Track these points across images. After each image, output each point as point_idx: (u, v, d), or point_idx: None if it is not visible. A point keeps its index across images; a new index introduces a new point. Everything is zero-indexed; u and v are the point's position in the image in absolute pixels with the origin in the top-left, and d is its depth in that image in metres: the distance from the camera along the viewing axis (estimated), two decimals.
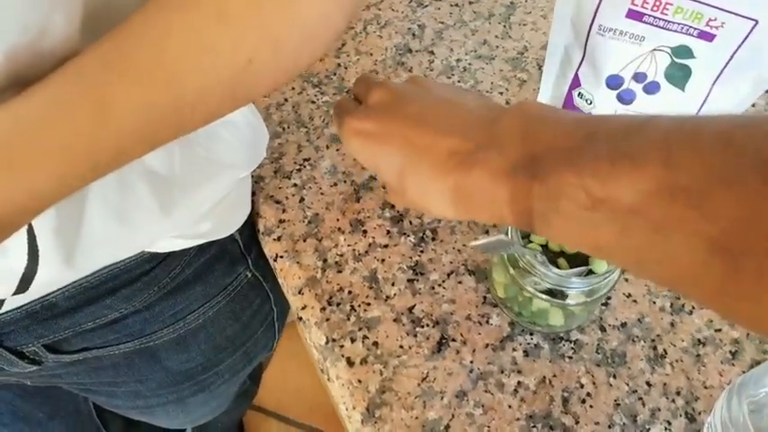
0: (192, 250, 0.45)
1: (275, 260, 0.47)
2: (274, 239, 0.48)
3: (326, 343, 0.43)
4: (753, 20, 0.33)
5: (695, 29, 0.35)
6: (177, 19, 0.24)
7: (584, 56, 0.40)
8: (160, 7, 0.24)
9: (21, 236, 0.32)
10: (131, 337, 0.47)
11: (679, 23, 0.35)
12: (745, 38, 0.34)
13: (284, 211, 0.49)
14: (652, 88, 0.39)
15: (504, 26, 0.62)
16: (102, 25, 0.25)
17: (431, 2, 0.64)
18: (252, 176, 0.50)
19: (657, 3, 0.35)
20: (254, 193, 0.50)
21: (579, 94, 0.43)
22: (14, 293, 0.35)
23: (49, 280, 0.37)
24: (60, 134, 0.23)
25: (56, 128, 0.23)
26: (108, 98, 0.23)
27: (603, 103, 0.41)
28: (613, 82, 0.40)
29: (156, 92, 0.24)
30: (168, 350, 0.50)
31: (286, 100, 0.56)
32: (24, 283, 0.35)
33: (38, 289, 0.37)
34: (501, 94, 0.56)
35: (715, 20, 0.34)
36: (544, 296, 0.38)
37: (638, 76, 0.39)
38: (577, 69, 0.42)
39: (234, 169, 0.42)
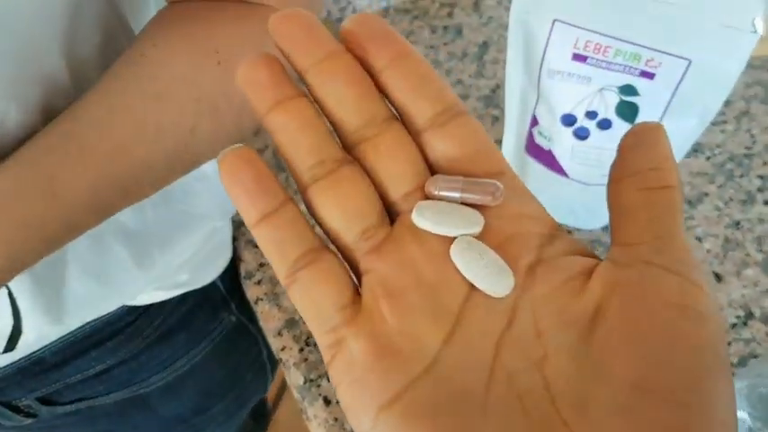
0: (173, 300, 0.47)
1: (256, 303, 0.49)
2: (255, 283, 0.49)
3: (304, 383, 0.44)
4: (686, 59, 0.35)
5: (636, 69, 0.37)
6: (120, 102, 0.27)
7: (538, 96, 0.42)
8: (105, 92, 0.27)
9: (3, 298, 0.34)
10: (120, 387, 0.49)
11: (621, 64, 0.37)
12: (683, 76, 0.36)
13: (264, 254, 0.51)
14: (604, 125, 0.41)
15: (478, 65, 0.64)
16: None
17: None
18: (233, 222, 0.52)
19: (598, 46, 0.37)
20: (235, 239, 0.52)
21: (539, 132, 0.44)
22: (3, 352, 0.37)
23: (35, 338, 0.39)
24: (14, 212, 0.25)
25: (9, 207, 0.25)
26: (56, 178, 0.26)
27: (561, 140, 0.43)
28: (567, 120, 0.41)
29: (102, 169, 0.26)
30: (159, 397, 0.52)
31: (266, 146, 0.58)
32: (12, 343, 0.37)
33: (25, 347, 0.39)
34: None
35: (652, 60, 0.36)
36: None
37: (590, 114, 0.41)
38: (534, 109, 0.43)
39: (208, 220, 0.44)
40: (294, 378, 0.45)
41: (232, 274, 0.52)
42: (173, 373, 0.50)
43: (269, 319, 0.48)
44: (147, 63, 0.27)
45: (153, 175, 0.29)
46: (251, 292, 0.50)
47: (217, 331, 0.52)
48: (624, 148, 0.19)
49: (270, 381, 0.64)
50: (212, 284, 0.49)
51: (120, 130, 0.26)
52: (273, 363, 0.63)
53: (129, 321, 0.45)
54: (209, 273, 0.49)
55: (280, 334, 0.47)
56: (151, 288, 0.43)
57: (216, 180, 0.45)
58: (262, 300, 0.48)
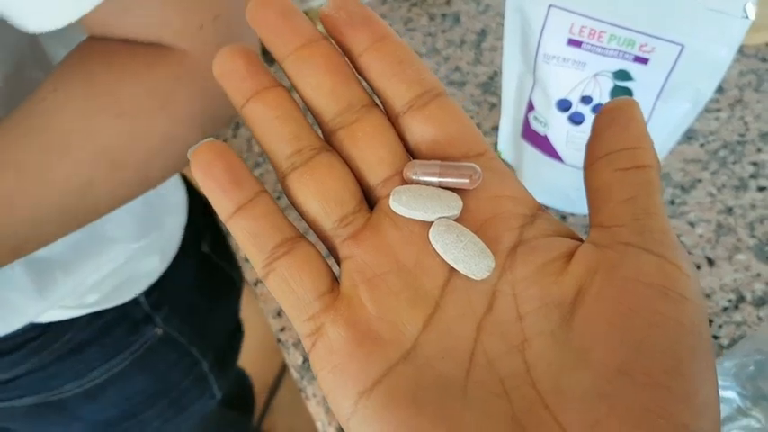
0: (82, 318, 0.44)
1: (256, 285, 0.50)
2: None
3: (303, 362, 0.45)
4: (679, 44, 0.35)
5: (630, 54, 0.37)
6: (8, 158, 0.26)
7: (534, 82, 0.43)
8: (6, 147, 0.26)
9: None
10: (34, 392, 0.47)
11: (615, 50, 0.38)
12: (676, 61, 0.36)
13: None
14: (599, 110, 0.41)
15: (475, 53, 0.64)
16: None
17: (405, 32, 0.67)
18: None
19: (593, 31, 0.38)
20: None
21: (534, 117, 0.45)
22: None
23: None
24: None
25: None
26: None
27: (557, 125, 0.44)
28: (563, 105, 0.42)
29: None
30: (78, 401, 0.49)
31: None
32: None
33: None
34: (472, 117, 0.59)
35: (646, 45, 0.36)
36: None
37: (585, 99, 0.41)
38: (530, 94, 0.44)
39: (121, 243, 0.43)
40: (293, 358, 0.46)
41: (163, 286, 0.49)
42: (90, 381, 0.48)
43: (268, 301, 0.48)
44: (43, 112, 0.26)
45: (42, 231, 0.27)
46: (250, 274, 0.50)
47: (137, 344, 0.49)
48: (598, 126, 0.19)
49: (216, 387, 0.60)
50: (133, 301, 0.47)
51: (6, 184, 0.25)
52: (219, 371, 0.58)
53: (31, 337, 0.42)
54: (126, 293, 0.46)
55: (279, 315, 0.47)
56: (55, 307, 0.41)
57: (133, 203, 0.43)
58: (261, 282, 0.49)
